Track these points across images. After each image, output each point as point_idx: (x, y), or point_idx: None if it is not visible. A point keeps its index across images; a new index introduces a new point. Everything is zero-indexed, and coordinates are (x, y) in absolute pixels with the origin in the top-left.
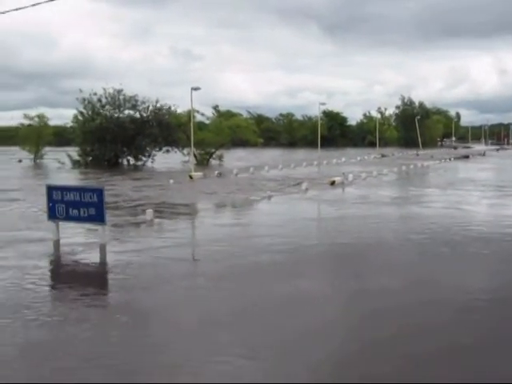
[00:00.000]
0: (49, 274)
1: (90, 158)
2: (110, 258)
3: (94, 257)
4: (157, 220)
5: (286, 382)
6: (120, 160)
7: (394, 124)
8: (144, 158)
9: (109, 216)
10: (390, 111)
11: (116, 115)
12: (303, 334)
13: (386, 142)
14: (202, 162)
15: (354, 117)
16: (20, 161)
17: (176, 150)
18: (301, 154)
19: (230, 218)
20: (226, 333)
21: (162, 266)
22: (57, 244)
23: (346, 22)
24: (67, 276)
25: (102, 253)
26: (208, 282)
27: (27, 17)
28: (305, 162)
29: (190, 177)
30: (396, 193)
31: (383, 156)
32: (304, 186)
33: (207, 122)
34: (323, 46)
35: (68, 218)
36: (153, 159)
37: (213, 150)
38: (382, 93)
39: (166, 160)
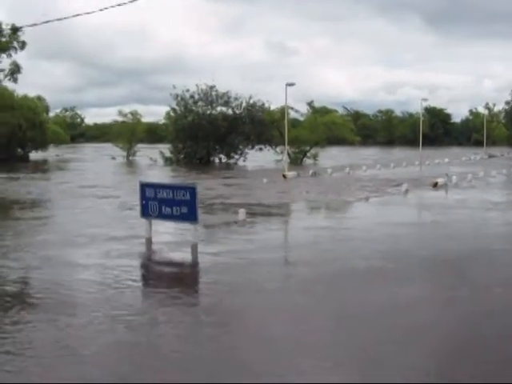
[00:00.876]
0: (141, 272)
1: (182, 156)
2: (202, 259)
3: (185, 257)
4: (249, 220)
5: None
6: (212, 158)
7: (503, 121)
8: (236, 156)
9: (200, 215)
10: (499, 107)
11: (208, 112)
12: (402, 342)
13: (493, 141)
14: (296, 161)
15: (458, 113)
16: (113, 158)
17: (269, 148)
18: (400, 153)
19: (325, 220)
20: (324, 338)
21: (254, 269)
22: (149, 242)
23: (450, 12)
24: (159, 275)
25: (193, 253)
26: (300, 286)
27: (122, 13)
28: (405, 161)
29: (284, 176)
30: (505, 197)
31: (491, 156)
32: (404, 187)
33: (301, 118)
34: (425, 39)
35: (161, 215)
36: (245, 157)
37: (307, 149)
38: (491, 87)
39: (259, 158)
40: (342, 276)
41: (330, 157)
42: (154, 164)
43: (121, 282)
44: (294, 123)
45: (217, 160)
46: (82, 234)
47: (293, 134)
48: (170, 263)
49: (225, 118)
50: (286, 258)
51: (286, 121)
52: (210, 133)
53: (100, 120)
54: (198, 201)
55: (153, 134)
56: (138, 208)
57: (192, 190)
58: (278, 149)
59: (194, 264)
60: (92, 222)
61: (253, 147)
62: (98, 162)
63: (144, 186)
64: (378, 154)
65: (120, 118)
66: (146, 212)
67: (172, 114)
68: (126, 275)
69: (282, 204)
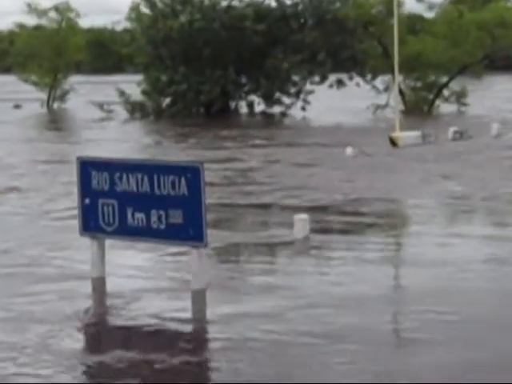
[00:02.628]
0: (83, 368)
1: (169, 99)
2: (214, 331)
3: (177, 325)
4: (316, 239)
5: None
6: (233, 103)
7: None
8: (286, 100)
9: (211, 229)
10: None
11: (224, 4)
12: None
13: None
14: (419, 107)
15: None
16: (17, 106)
17: (358, 79)
18: None
19: (481, 242)
20: None
21: (326, 352)
22: (99, 288)
23: None
24: (121, 372)
25: (196, 316)
26: None
27: None
28: None
29: (392, 141)
30: None
31: None
32: None
33: (430, 15)
34: None
35: (124, 230)
36: (305, 101)
37: (444, 81)
38: None
39: (336, 102)
40: None
41: (494, 97)
42: (109, 118)
43: None
44: (414, 26)
45: (244, 109)
46: None
47: (411, 47)
48: (145, 341)
49: (259, 16)
50: (405, 331)
51: (395, 20)
52: (226, 49)
53: None
54: (205, 197)
55: (103, 53)
56: (70, 215)
57: (193, 174)
58: (379, 82)
59: (197, 346)
60: None
61: (323, 79)
62: None
63: (87, 167)
64: None
65: (32, 21)
66: (91, 223)
67: (145, 8)
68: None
69: (388, 205)
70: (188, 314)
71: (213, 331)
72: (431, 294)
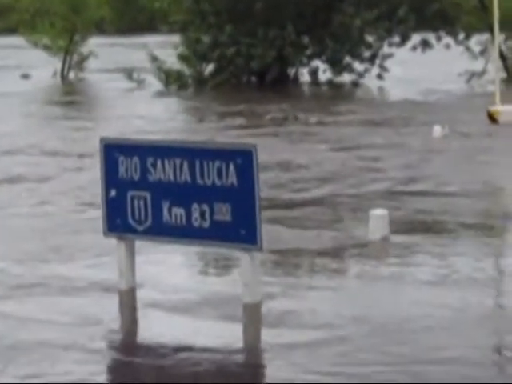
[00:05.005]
0: None
1: (212, 66)
2: (272, 358)
3: (225, 356)
4: (398, 241)
5: None
6: (292, 70)
7: None
8: (358, 66)
9: (265, 227)
10: None
11: None
12: None
13: None
14: None
15: None
16: (25, 76)
17: (449, 39)
18: None
19: None
20: None
21: None
22: (129, 303)
23: None
24: None
25: (247, 338)
26: None
27: None
28: None
29: (491, 116)
30: None
31: None
32: None
33: None
34: None
35: (159, 229)
36: (382, 67)
37: None
38: None
39: (419, 71)
40: None
41: None
42: (139, 88)
43: None
44: None
45: (306, 77)
46: None
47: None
48: (183, 375)
49: None
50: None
51: None
52: (285, 4)
53: None
54: (259, 188)
55: (131, 8)
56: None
57: (245, 159)
58: (475, 42)
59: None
60: None
61: (405, 39)
62: None
63: (113, 151)
64: None
65: None
66: (118, 221)
67: None
68: None
69: (488, 200)
70: (239, 338)
71: (271, 362)
72: None
